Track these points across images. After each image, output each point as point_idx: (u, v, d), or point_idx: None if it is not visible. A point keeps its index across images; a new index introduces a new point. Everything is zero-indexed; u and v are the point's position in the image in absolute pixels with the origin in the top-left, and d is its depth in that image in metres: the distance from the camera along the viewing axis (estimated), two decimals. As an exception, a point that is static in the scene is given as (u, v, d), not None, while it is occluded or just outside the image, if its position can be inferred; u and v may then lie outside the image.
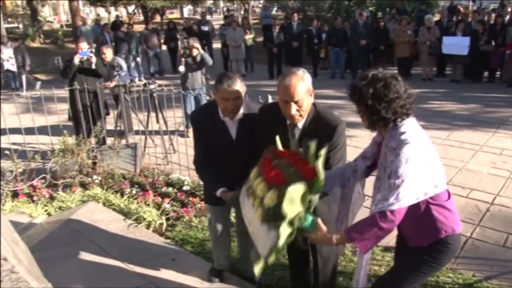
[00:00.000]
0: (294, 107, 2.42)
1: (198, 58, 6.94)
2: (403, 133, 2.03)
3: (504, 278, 3.41)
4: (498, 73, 11.74)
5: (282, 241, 2.00)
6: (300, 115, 2.48)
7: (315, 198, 2.07)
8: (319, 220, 2.12)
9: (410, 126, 2.07)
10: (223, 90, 2.73)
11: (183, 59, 7.06)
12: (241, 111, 2.86)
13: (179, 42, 7.29)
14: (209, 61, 7.12)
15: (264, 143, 2.53)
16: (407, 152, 1.98)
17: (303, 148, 2.30)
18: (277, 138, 2.31)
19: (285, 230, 1.99)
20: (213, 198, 3.01)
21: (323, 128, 2.52)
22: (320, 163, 2.04)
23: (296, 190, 1.99)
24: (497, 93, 10.19)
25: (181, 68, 7.16)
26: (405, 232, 2.30)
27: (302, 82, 2.41)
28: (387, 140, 2.09)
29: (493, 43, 10.86)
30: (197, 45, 6.99)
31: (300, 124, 2.54)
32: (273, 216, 2.01)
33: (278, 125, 2.57)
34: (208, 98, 6.59)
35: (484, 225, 4.24)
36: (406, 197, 1.99)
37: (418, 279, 2.27)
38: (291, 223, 2.00)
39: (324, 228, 2.12)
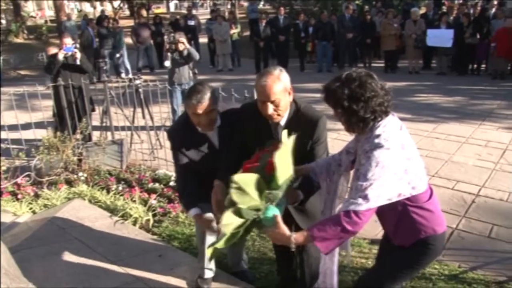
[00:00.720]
0: (271, 107, 2.40)
1: (185, 53, 6.90)
2: (378, 136, 1.98)
3: (489, 268, 3.44)
4: (484, 65, 11.86)
5: (226, 227, 1.96)
6: (278, 114, 2.45)
7: (277, 192, 2.02)
8: (279, 218, 2.01)
9: (386, 128, 2.00)
10: (192, 106, 2.58)
11: (169, 54, 7.01)
12: (218, 121, 2.75)
13: (165, 37, 7.21)
14: (196, 55, 7.08)
15: (248, 142, 2.56)
16: (378, 156, 1.94)
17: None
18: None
19: (229, 217, 1.96)
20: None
21: (304, 124, 2.52)
22: (278, 156, 2.00)
23: (242, 179, 1.96)
24: (482, 85, 10.29)
25: (167, 63, 7.10)
26: (388, 231, 2.30)
27: (278, 82, 2.37)
28: (362, 143, 2.05)
29: (478, 36, 10.94)
30: (183, 39, 6.93)
31: (282, 122, 2.52)
32: (229, 204, 2.00)
33: (261, 123, 2.54)
34: None
35: (470, 217, 4.28)
36: (374, 199, 1.92)
37: (400, 279, 2.27)
38: (238, 212, 1.97)
39: (282, 226, 1.99)
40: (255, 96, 4.29)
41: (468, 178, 5.13)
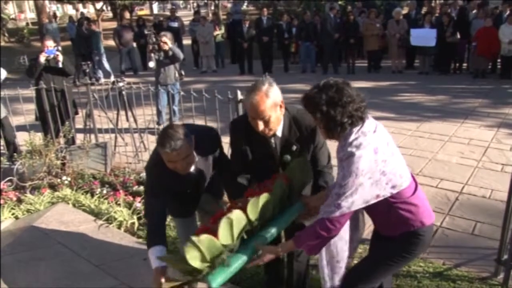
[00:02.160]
0: (261, 124, 2.38)
1: (170, 53, 6.86)
2: (350, 144, 2.03)
3: (473, 265, 3.49)
4: (465, 64, 12.02)
5: (190, 262, 2.05)
6: (270, 129, 2.43)
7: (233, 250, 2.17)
8: (257, 245, 2.21)
9: (358, 134, 2.05)
10: (166, 154, 2.38)
11: (152, 55, 6.96)
12: (196, 159, 2.60)
13: (148, 38, 7.16)
14: (180, 55, 7.03)
15: (244, 157, 2.60)
16: (350, 164, 2.00)
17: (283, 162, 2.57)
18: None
19: (191, 251, 2.05)
20: (177, 211, 2.95)
21: (303, 132, 2.53)
22: (251, 206, 2.18)
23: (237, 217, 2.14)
24: (464, 84, 10.43)
25: (151, 64, 7.05)
26: (376, 225, 2.34)
27: (266, 99, 2.33)
28: (338, 151, 2.11)
29: (458, 35, 11.09)
30: (166, 39, 6.89)
31: (279, 132, 2.51)
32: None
33: (256, 136, 2.50)
34: (181, 93, 6.52)
35: (454, 214, 4.33)
36: (347, 206, 2.04)
37: (390, 268, 2.30)
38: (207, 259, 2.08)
39: (265, 247, 2.22)
40: (239, 96, 4.33)
41: (451, 176, 5.19)
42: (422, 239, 2.17)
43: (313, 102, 2.07)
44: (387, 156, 2.07)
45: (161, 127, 6.86)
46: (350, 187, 2.02)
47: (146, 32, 13.41)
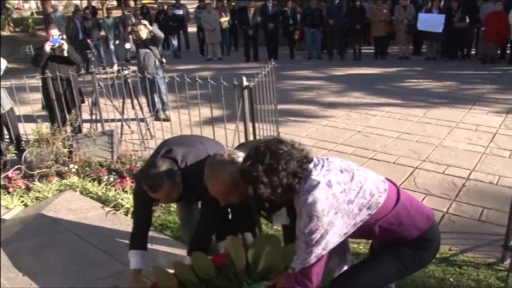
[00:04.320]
0: (221, 201, 2.25)
1: (149, 36, 6.76)
2: (303, 194, 1.91)
3: (479, 251, 3.48)
4: (474, 50, 11.89)
5: None
6: (234, 200, 2.28)
7: None
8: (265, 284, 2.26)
9: (306, 180, 1.93)
10: (147, 191, 2.48)
11: (130, 37, 6.89)
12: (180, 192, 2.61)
13: (127, 20, 7.10)
14: (161, 35, 6.93)
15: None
16: (308, 210, 1.88)
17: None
18: None
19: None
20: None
21: None
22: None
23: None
24: (472, 70, 10.32)
25: (128, 46, 6.98)
26: (376, 245, 2.25)
27: (216, 184, 2.17)
28: (295, 203, 1.98)
29: (468, 20, 10.96)
30: (145, 21, 6.82)
31: None
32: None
33: None
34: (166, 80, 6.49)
35: (460, 200, 4.32)
36: (322, 247, 1.92)
37: (399, 274, 2.17)
38: None
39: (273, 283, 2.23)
40: (244, 83, 4.31)
41: (458, 162, 5.17)
42: (431, 242, 2.09)
43: (251, 176, 1.91)
44: (346, 184, 1.93)
45: (167, 112, 6.83)
46: (315, 231, 1.88)
47: (125, 13, 13.43)
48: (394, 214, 2.02)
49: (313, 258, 1.94)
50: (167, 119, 6.65)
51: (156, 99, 7.14)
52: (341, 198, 1.90)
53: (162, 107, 7.27)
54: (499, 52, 11.25)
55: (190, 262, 2.55)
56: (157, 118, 6.45)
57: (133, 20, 6.79)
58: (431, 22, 11.14)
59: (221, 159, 2.17)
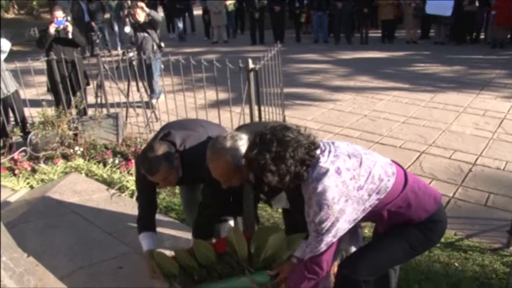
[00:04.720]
0: (224, 183, 2.23)
1: (147, 19, 6.66)
2: (312, 182, 1.87)
3: (485, 236, 3.47)
4: (483, 34, 11.73)
5: None
6: (235, 183, 2.25)
7: None
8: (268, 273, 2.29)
9: (315, 167, 1.89)
10: (144, 174, 2.47)
11: (127, 20, 6.79)
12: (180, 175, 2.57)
13: (124, 2, 7.00)
14: (159, 18, 6.80)
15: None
16: (319, 199, 1.85)
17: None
18: None
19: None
20: None
21: None
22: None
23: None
24: (481, 54, 10.20)
25: (127, 29, 6.90)
26: (381, 229, 2.22)
27: (218, 166, 2.15)
28: (303, 191, 1.95)
29: (477, 4, 10.79)
30: (141, 4, 6.68)
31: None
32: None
33: None
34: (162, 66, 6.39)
35: (467, 185, 4.29)
36: (332, 234, 1.92)
37: (407, 255, 2.18)
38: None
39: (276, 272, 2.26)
40: (250, 65, 4.27)
41: (465, 148, 5.13)
42: (439, 224, 2.09)
43: (258, 165, 1.86)
44: (355, 170, 1.91)
45: (154, 101, 6.73)
46: (326, 219, 1.87)
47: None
48: (402, 197, 2.00)
49: (323, 246, 1.95)
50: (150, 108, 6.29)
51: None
52: (350, 185, 1.88)
53: (150, 94, 6.92)
54: (509, 36, 11.11)
55: None
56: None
57: (129, 2, 6.59)
58: (439, 5, 10.98)
59: (224, 141, 2.15)
